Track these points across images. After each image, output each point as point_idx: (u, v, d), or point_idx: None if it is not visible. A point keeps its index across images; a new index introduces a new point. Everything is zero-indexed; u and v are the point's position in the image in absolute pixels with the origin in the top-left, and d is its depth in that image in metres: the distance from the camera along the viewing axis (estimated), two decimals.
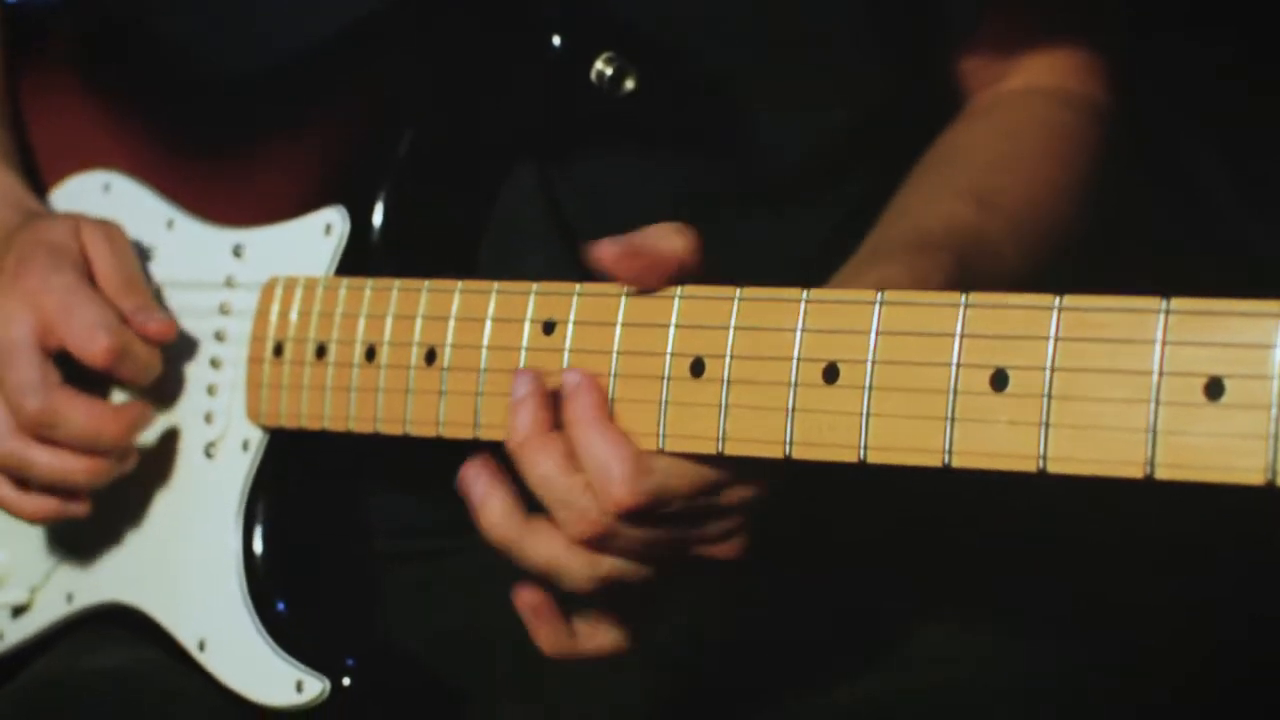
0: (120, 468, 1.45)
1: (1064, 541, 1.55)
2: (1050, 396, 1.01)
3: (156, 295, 1.51)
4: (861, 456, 1.09)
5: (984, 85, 1.54)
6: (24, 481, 1.45)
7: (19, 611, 1.59)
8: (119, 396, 1.50)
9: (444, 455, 1.43)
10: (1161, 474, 0.97)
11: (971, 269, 1.33)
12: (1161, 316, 0.98)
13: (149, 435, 1.49)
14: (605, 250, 1.16)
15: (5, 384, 1.42)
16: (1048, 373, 1.01)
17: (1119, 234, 1.54)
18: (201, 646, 1.44)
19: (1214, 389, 0.96)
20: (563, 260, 1.44)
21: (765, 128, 1.46)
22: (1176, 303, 0.98)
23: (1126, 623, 1.42)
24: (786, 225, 1.49)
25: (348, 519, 1.48)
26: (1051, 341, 1.02)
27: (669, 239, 1.17)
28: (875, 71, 1.49)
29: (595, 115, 1.38)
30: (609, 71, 1.35)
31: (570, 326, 1.23)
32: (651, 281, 1.18)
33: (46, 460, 1.43)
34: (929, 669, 1.39)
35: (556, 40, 1.36)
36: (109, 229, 1.49)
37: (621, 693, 1.48)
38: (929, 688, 1.37)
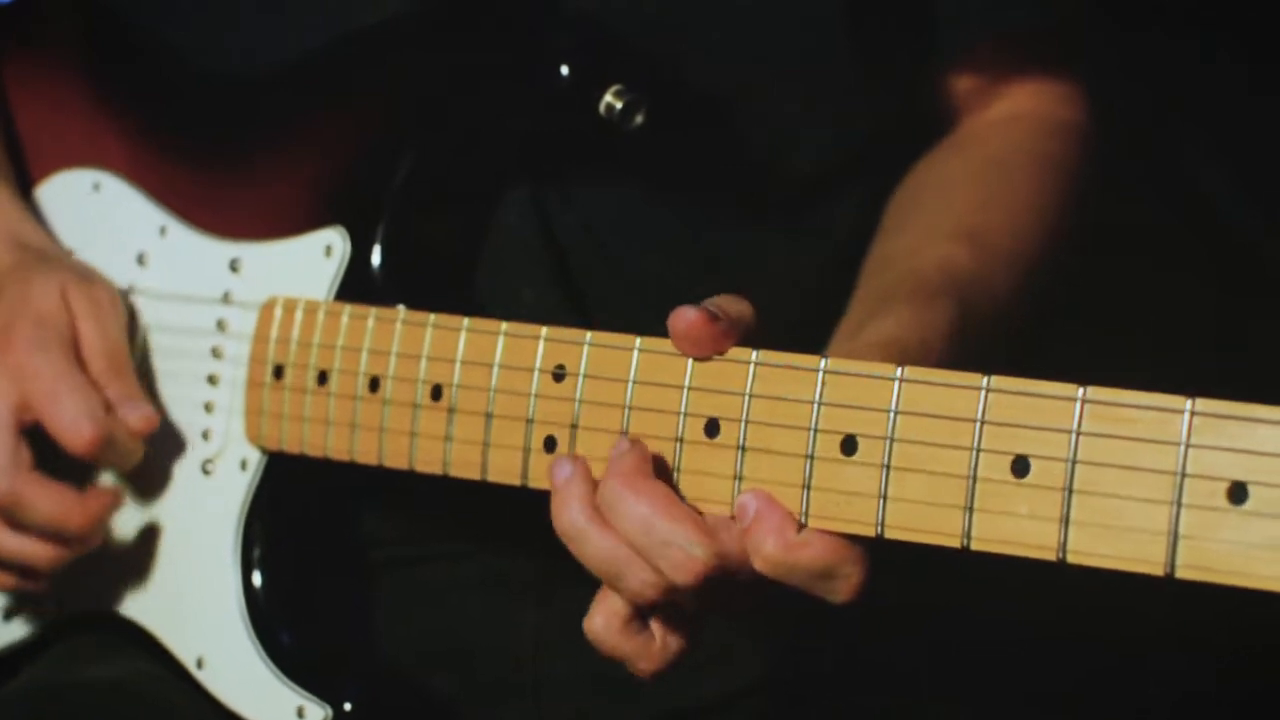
0: (85, 549, 1.44)
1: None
2: (1071, 490, 1.02)
3: (151, 304, 1.50)
4: (879, 533, 1.09)
5: (969, 112, 1.53)
6: None
7: (8, 616, 1.58)
8: None
9: None
10: (1182, 574, 0.98)
11: (971, 312, 1.33)
12: (1186, 417, 0.98)
13: (146, 448, 1.48)
14: (685, 314, 1.13)
15: None
16: (1069, 465, 1.02)
17: (1119, 235, 1.54)
18: (199, 664, 1.45)
19: (1237, 494, 0.96)
20: (554, 289, 1.43)
21: (762, 151, 1.45)
22: (1201, 404, 0.98)
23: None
24: (782, 245, 1.49)
25: (345, 535, 1.48)
26: (1074, 434, 1.02)
27: (736, 305, 1.14)
28: (869, 93, 1.48)
29: (600, 147, 1.36)
30: (619, 105, 1.33)
31: (581, 379, 1.23)
32: (721, 348, 1.14)
33: (7, 542, 1.42)
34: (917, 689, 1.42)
35: (564, 70, 1.34)
36: (96, 296, 1.45)
37: (616, 692, 1.49)
38: None
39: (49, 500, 1.39)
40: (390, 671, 1.45)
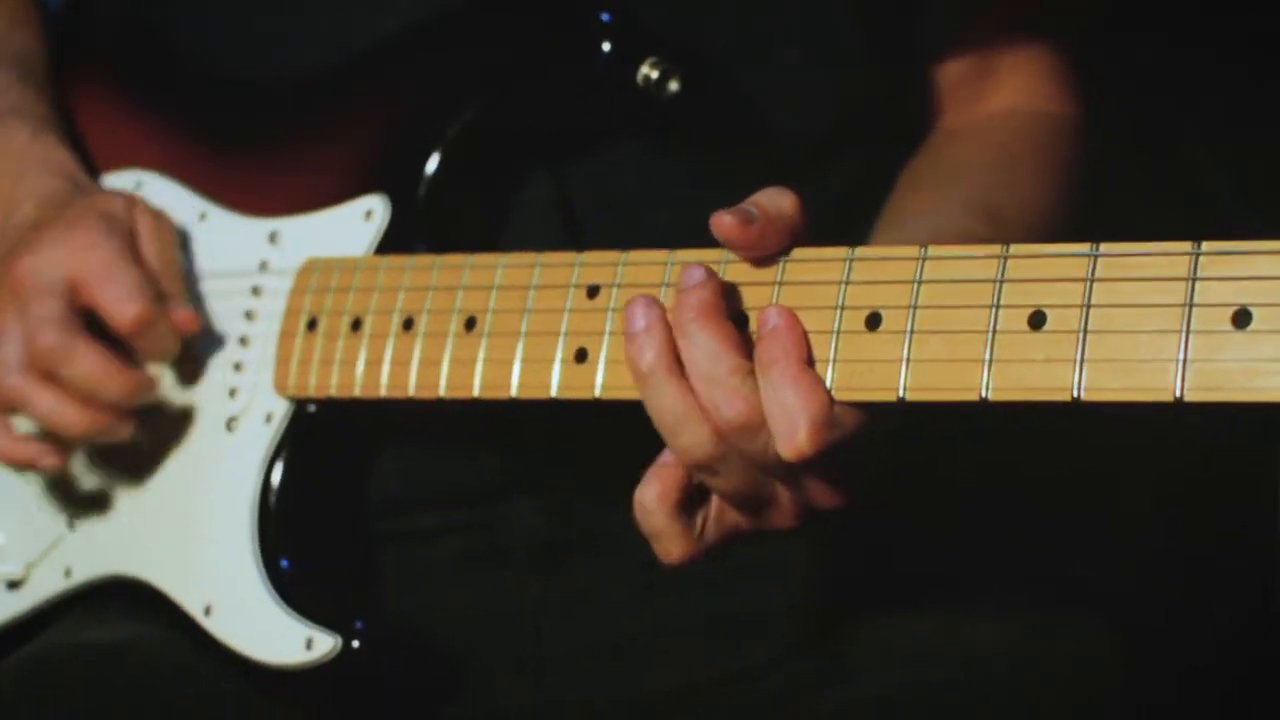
0: (114, 432, 1.48)
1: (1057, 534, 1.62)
2: (1085, 331, 1.09)
3: (190, 281, 1.57)
4: (900, 397, 1.16)
5: (960, 104, 1.62)
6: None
7: (13, 586, 1.60)
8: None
9: (453, 433, 1.49)
10: (1191, 397, 1.05)
11: None
12: (1192, 257, 1.07)
13: (167, 408, 1.54)
14: (721, 220, 1.19)
15: (26, 317, 1.45)
16: (1084, 310, 1.10)
17: (1119, 234, 1.64)
18: (208, 611, 1.47)
19: (1242, 318, 1.04)
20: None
21: (774, 110, 1.52)
22: (1207, 244, 1.07)
23: (1118, 616, 1.48)
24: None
25: (359, 493, 1.52)
26: (1088, 282, 1.10)
27: (778, 201, 1.20)
28: (871, 55, 1.56)
29: (633, 117, 1.46)
30: (655, 75, 1.44)
31: (615, 290, 1.30)
32: (768, 247, 1.20)
33: (47, 402, 1.45)
34: (921, 672, 1.44)
35: (607, 46, 1.45)
36: (159, 216, 1.55)
37: (618, 667, 1.52)
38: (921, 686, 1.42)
39: (95, 357, 1.44)
40: (402, 623, 1.47)
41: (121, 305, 1.46)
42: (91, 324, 1.48)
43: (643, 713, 1.49)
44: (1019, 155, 1.57)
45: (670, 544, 1.22)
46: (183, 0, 1.65)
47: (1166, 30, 1.95)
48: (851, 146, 1.56)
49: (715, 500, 1.24)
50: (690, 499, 1.24)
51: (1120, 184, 1.66)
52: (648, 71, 1.44)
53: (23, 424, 1.52)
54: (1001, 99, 1.62)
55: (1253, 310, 1.04)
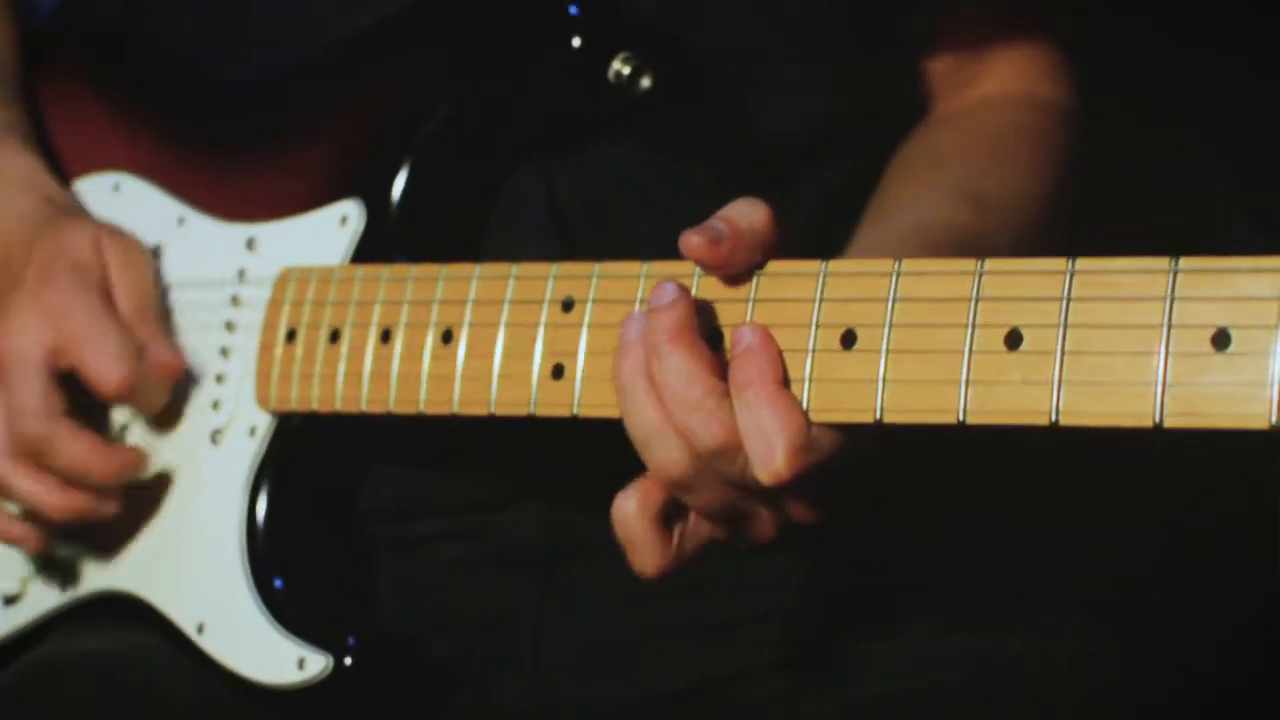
0: (96, 510, 1.47)
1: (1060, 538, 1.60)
2: (1063, 353, 1.06)
3: (169, 289, 1.55)
4: (878, 418, 1.13)
5: (952, 90, 1.59)
6: None
7: (10, 601, 1.60)
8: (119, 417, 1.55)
9: (449, 440, 1.47)
10: (1170, 423, 1.02)
11: None
12: (1170, 275, 1.04)
13: (153, 420, 1.52)
14: (689, 240, 1.16)
15: (9, 400, 1.45)
16: (1061, 330, 1.07)
17: (1118, 233, 1.61)
18: (200, 629, 1.46)
19: (1221, 340, 1.01)
20: (553, 256, 1.48)
21: (759, 113, 1.50)
22: (1185, 261, 1.04)
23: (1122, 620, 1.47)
24: (777, 205, 1.53)
25: (350, 503, 1.50)
26: (1065, 301, 1.07)
27: (748, 215, 1.17)
28: (861, 56, 1.53)
29: (608, 113, 1.43)
30: (626, 70, 1.41)
31: (590, 304, 1.28)
32: (739, 265, 1.18)
33: (27, 487, 1.46)
34: (919, 673, 1.43)
35: (577, 41, 1.42)
36: (129, 245, 1.52)
37: (617, 670, 1.51)
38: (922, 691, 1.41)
39: (78, 444, 1.43)
40: (395, 636, 1.46)
41: (106, 371, 1.44)
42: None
43: (641, 715, 1.48)
44: (1010, 140, 1.54)
45: (646, 555, 1.20)
46: (177, 3, 1.62)
47: (1169, 30, 1.90)
48: (838, 146, 1.52)
49: (692, 514, 1.22)
50: (670, 513, 1.22)
51: (1120, 183, 1.62)
52: (619, 67, 1.41)
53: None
54: (993, 84, 1.58)
55: (1232, 332, 1.01)
